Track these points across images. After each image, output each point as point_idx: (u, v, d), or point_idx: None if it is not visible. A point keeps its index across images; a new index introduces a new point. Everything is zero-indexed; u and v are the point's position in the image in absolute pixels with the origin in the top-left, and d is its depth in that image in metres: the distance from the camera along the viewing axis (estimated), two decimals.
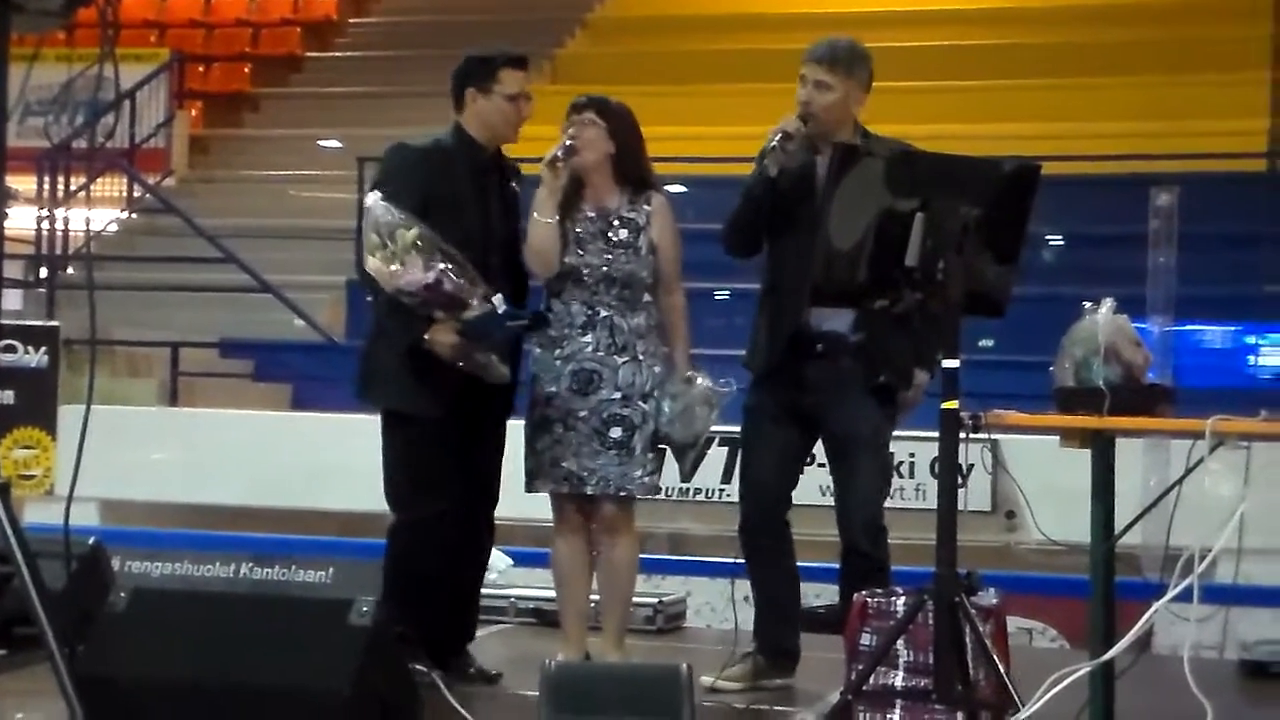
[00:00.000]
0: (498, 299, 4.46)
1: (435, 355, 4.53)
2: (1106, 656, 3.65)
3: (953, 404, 3.68)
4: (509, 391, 4.73)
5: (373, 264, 4.46)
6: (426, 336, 4.52)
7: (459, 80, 4.78)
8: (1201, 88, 11.75)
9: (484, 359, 4.56)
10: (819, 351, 4.67)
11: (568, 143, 4.64)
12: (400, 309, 4.53)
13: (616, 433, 4.64)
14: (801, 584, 5.09)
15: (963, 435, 3.73)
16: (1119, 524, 3.91)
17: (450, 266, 4.42)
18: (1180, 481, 3.66)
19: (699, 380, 4.66)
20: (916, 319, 4.45)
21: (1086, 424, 3.72)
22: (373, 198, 4.51)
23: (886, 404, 4.74)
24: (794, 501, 4.98)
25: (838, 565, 4.84)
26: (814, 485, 5.22)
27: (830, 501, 4.84)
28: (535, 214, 4.65)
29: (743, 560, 4.88)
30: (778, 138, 4.56)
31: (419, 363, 4.57)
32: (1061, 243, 10.64)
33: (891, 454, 7.85)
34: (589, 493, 4.66)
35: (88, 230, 11.07)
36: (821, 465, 4.96)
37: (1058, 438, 3.96)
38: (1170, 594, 3.40)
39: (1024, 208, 3.87)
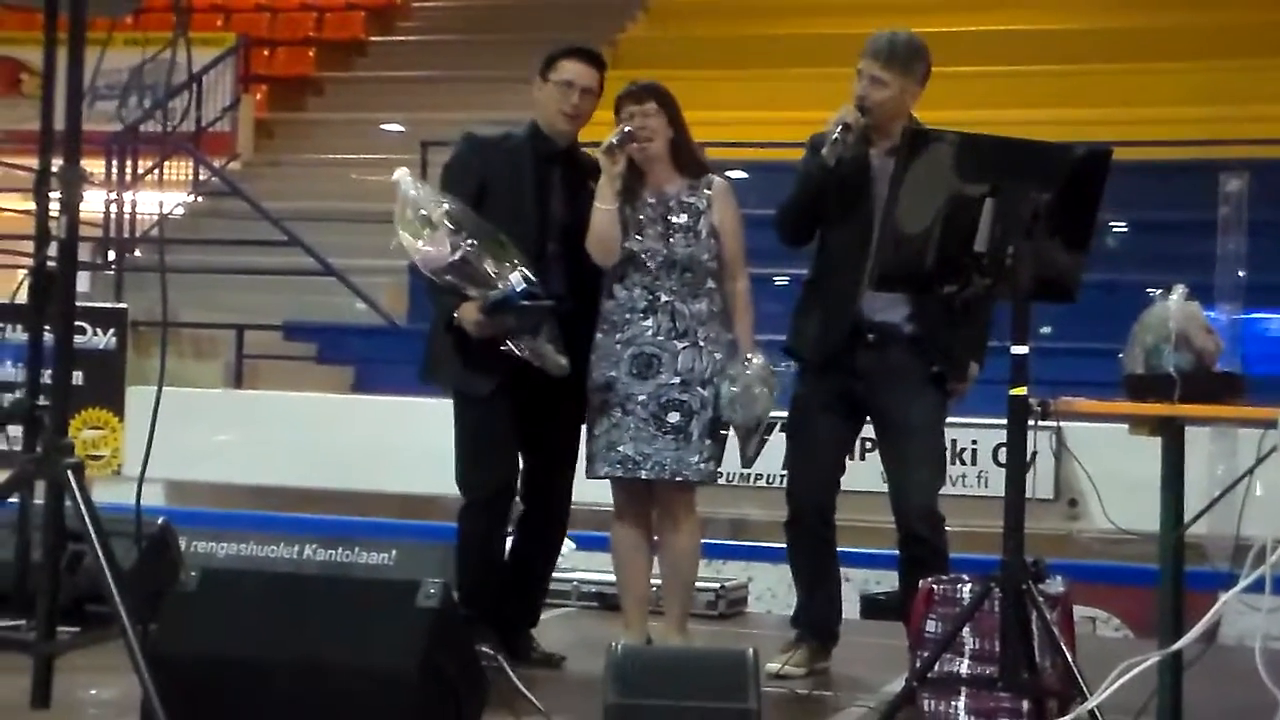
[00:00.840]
0: (516, 276, 4.46)
1: (479, 338, 4.56)
2: (1176, 646, 3.61)
3: (1021, 390, 3.65)
4: (580, 389, 4.72)
5: (404, 240, 4.49)
6: (456, 314, 4.56)
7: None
8: (1272, 72, 11.60)
9: (534, 345, 4.56)
10: (871, 341, 4.67)
11: (625, 129, 4.64)
12: (440, 286, 4.57)
13: (674, 418, 4.63)
14: (861, 571, 5.09)
15: (1030, 422, 3.70)
16: (1187, 513, 3.87)
17: (478, 244, 4.43)
18: (1252, 470, 3.61)
19: (755, 360, 4.65)
20: (958, 309, 4.47)
21: (1158, 411, 3.68)
22: (401, 173, 4.54)
23: (938, 391, 4.74)
24: (856, 489, 4.97)
25: (896, 552, 4.82)
26: (874, 472, 5.20)
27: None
28: (595, 202, 4.66)
29: (788, 546, 4.88)
30: (838, 129, 4.55)
31: (465, 342, 4.60)
32: (1125, 229, 10.54)
33: (953, 440, 7.91)
34: (644, 477, 4.66)
35: (161, 212, 11.19)
36: (881, 457, 4.93)
37: (1123, 425, 3.93)
38: (1242, 584, 3.36)
39: (1095, 193, 3.84)
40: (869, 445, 5.33)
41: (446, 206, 4.44)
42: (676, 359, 4.66)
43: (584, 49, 4.86)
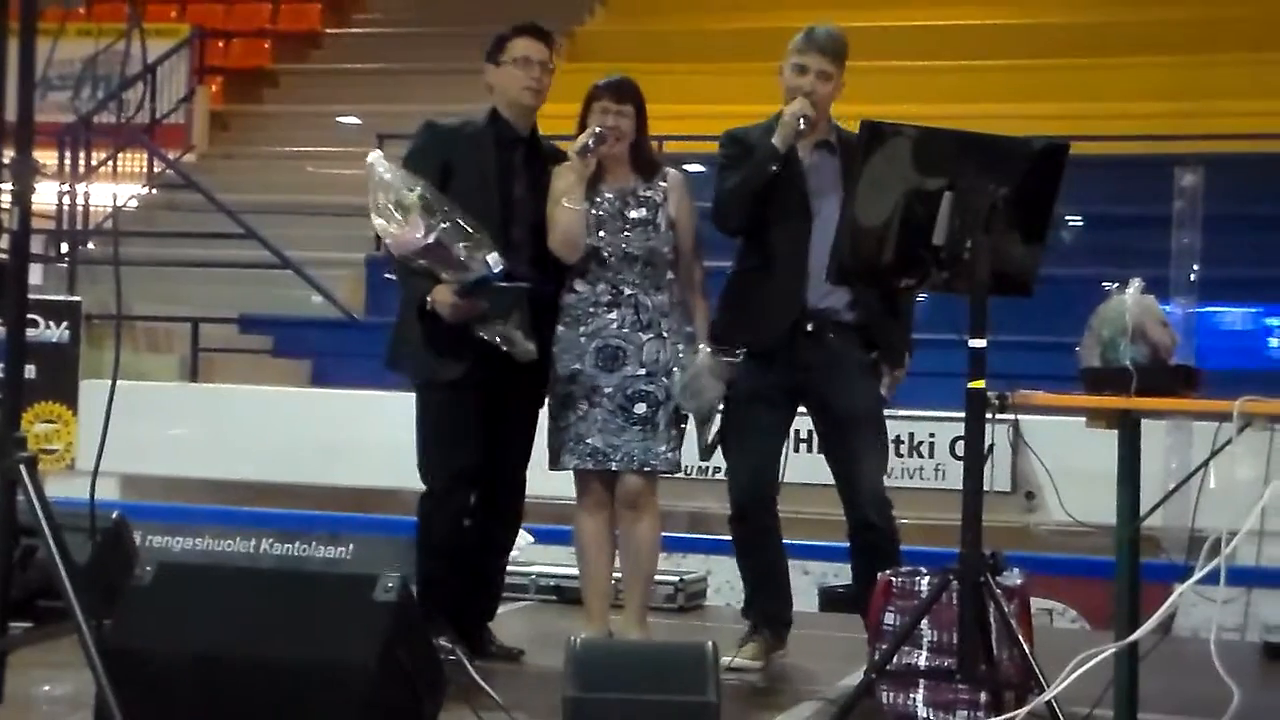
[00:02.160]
0: (492, 258, 4.45)
1: (453, 321, 4.55)
2: (1132, 638, 3.63)
3: (980, 384, 3.66)
4: (541, 380, 4.72)
5: (376, 223, 4.47)
6: (430, 297, 4.54)
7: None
8: (1227, 68, 11.69)
9: (505, 330, 4.55)
10: (810, 330, 4.69)
11: (600, 131, 4.63)
12: (412, 269, 4.55)
13: (641, 409, 4.65)
14: (819, 564, 5.09)
15: (988, 415, 3.72)
16: (1142, 506, 3.89)
17: (451, 227, 4.42)
18: (1207, 462, 3.64)
19: (704, 349, 4.65)
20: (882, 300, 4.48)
21: (1114, 404, 3.70)
22: (375, 156, 4.53)
23: (877, 379, 4.78)
24: (812, 481, 4.98)
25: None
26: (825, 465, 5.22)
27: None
28: (563, 201, 4.65)
29: (734, 542, 4.89)
30: (800, 121, 4.57)
31: (435, 328, 4.58)
32: (1081, 223, 10.60)
33: (911, 433, 7.93)
34: (614, 468, 4.67)
35: (115, 205, 11.09)
36: (826, 446, 4.93)
37: (1081, 419, 3.94)
38: (1197, 575, 3.38)
39: (1052, 187, 3.86)
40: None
41: (419, 190, 4.43)
42: (641, 350, 4.68)
43: (531, 26, 4.84)
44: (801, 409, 4.87)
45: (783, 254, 4.68)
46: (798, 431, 5.19)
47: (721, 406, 4.74)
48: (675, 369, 4.66)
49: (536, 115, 4.85)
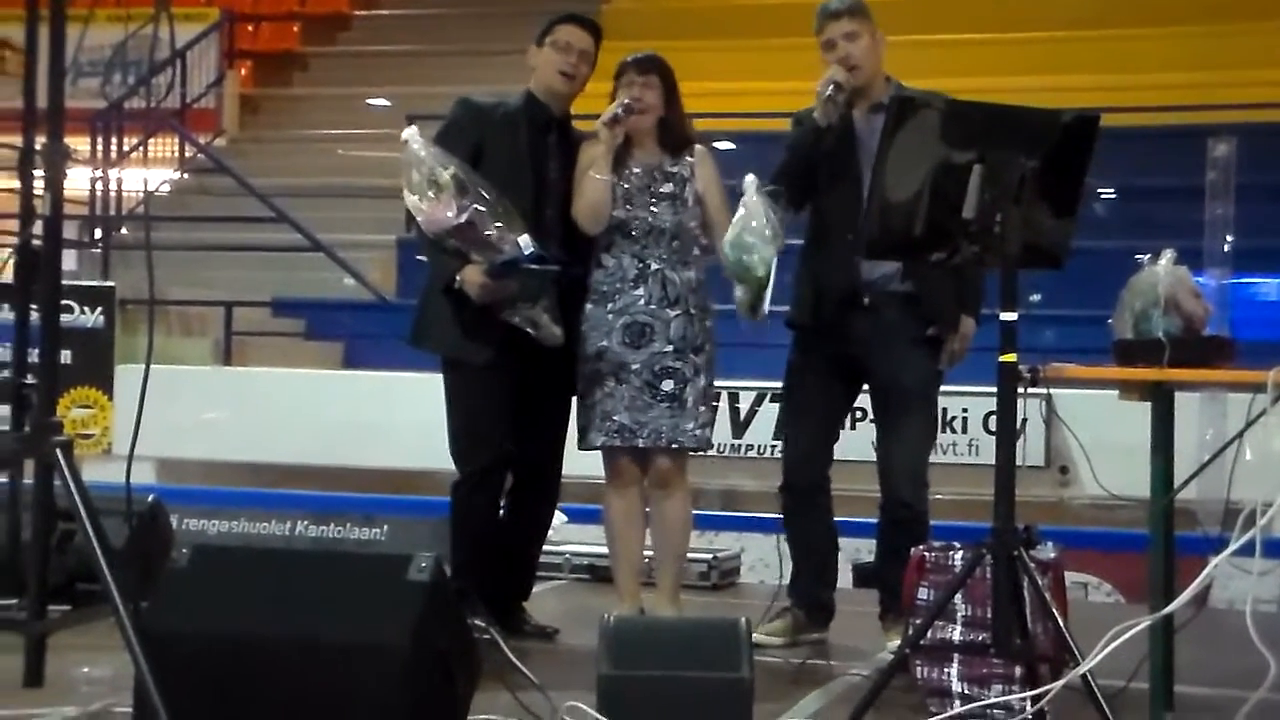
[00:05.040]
0: (524, 240, 4.45)
1: (482, 303, 4.56)
2: (1167, 610, 3.62)
3: (1011, 357, 3.65)
4: (571, 363, 4.72)
5: (409, 200, 4.48)
6: (458, 276, 4.54)
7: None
8: (1259, 36, 11.58)
9: (532, 314, 4.56)
10: (865, 304, 4.66)
11: (626, 101, 4.64)
12: (440, 248, 4.55)
13: (668, 385, 4.65)
14: (853, 540, 5.08)
15: (1020, 389, 3.70)
16: (1177, 478, 3.87)
17: (484, 208, 4.42)
18: (1242, 434, 3.62)
19: (751, 183, 4.47)
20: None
21: (1147, 376, 3.69)
22: (410, 132, 4.53)
23: (933, 355, 4.74)
24: (848, 457, 4.96)
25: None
26: (865, 441, 5.21)
27: None
28: (590, 171, 4.66)
29: (781, 515, 4.88)
30: (830, 89, 4.55)
31: (464, 308, 4.59)
32: (1113, 195, 10.53)
33: (944, 409, 7.91)
34: (640, 445, 4.68)
35: (146, 190, 11.14)
36: (874, 421, 4.94)
37: (1113, 391, 3.93)
38: (1232, 547, 3.36)
39: (1082, 159, 3.82)
40: (859, 414, 5.33)
41: (453, 169, 4.43)
42: (669, 327, 4.68)
43: (581, 16, 4.89)
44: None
45: (834, 226, 4.68)
46: None
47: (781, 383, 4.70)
48: (705, 345, 4.66)
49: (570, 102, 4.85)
